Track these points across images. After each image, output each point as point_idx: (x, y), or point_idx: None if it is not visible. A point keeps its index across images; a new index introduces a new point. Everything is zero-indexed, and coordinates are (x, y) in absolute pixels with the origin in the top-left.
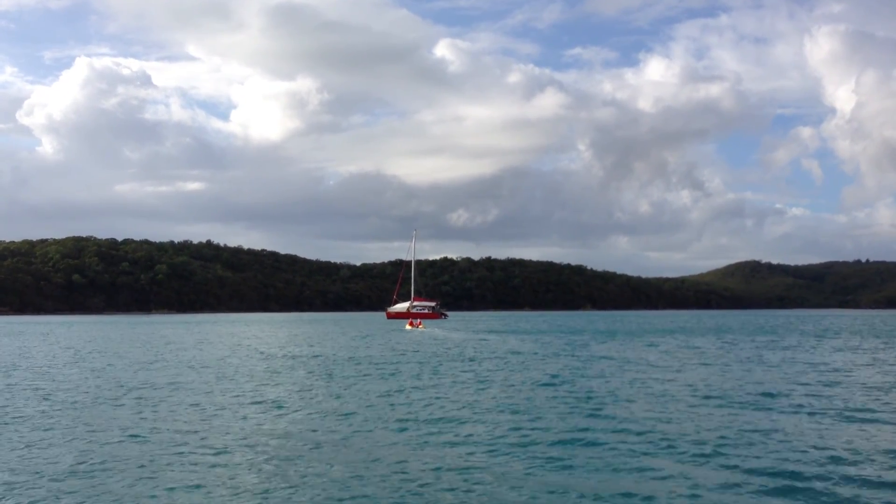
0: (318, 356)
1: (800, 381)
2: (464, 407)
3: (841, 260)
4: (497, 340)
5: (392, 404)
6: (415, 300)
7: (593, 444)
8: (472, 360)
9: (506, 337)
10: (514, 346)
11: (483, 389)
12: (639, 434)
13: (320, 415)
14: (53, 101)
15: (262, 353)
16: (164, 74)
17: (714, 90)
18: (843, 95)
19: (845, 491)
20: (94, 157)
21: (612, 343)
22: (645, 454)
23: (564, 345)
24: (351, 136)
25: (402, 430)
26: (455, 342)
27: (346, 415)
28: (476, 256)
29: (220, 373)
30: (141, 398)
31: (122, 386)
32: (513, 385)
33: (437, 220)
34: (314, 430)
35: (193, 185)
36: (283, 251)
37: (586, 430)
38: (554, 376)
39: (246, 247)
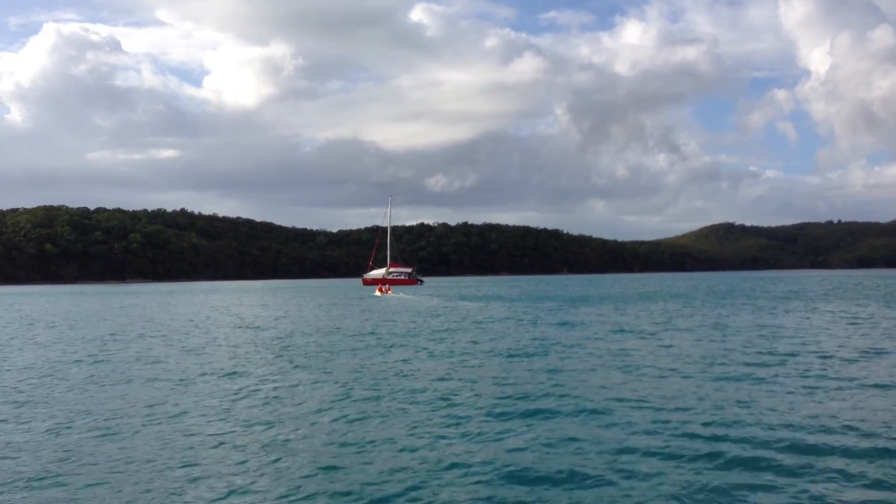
0: (284, 328)
1: (761, 347)
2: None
3: (814, 221)
4: (465, 307)
5: (355, 377)
6: (391, 266)
7: (553, 414)
8: (437, 331)
9: (474, 303)
10: (482, 313)
11: (433, 360)
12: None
13: (287, 391)
14: (21, 67)
15: (226, 324)
16: (134, 40)
17: (690, 53)
18: (817, 58)
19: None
20: (64, 125)
21: (584, 309)
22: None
23: (530, 312)
24: (327, 101)
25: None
26: (419, 310)
27: (310, 390)
28: (453, 222)
29: (185, 346)
30: (101, 374)
31: (80, 361)
32: (469, 355)
33: (415, 186)
34: (279, 406)
35: (167, 153)
36: (258, 218)
37: (549, 400)
38: (515, 348)
39: (221, 214)
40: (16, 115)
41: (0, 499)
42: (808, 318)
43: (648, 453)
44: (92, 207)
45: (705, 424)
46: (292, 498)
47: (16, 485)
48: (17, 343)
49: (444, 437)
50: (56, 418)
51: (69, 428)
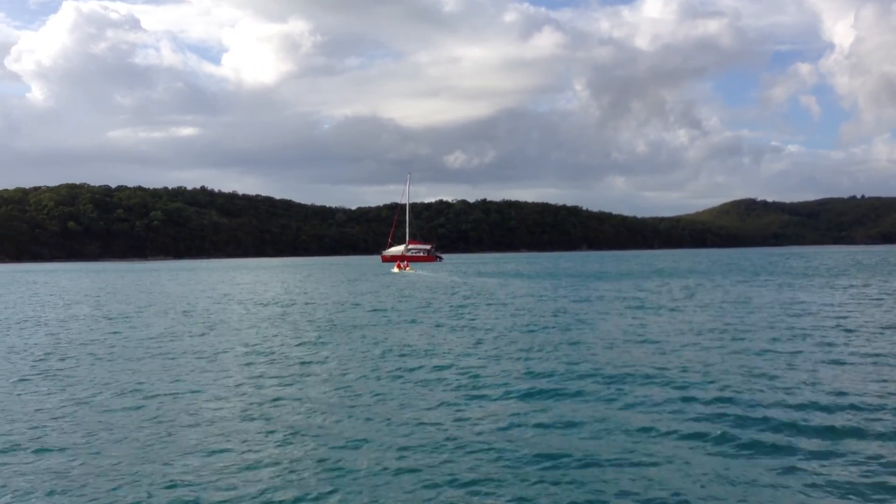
0: (304, 304)
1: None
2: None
3: (836, 196)
4: (484, 283)
5: (378, 352)
6: (410, 243)
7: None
8: (458, 306)
9: (493, 279)
10: (500, 290)
11: (450, 334)
12: (634, 379)
13: (308, 367)
14: (42, 46)
15: (242, 301)
16: (153, 18)
17: (712, 26)
18: (841, 30)
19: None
20: (85, 103)
21: (603, 285)
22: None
23: (550, 289)
24: (346, 78)
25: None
26: (438, 286)
27: (329, 365)
28: (472, 199)
29: (207, 322)
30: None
31: (112, 337)
32: (487, 330)
33: (434, 163)
34: (305, 382)
35: (187, 131)
36: (278, 196)
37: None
38: (534, 324)
39: (241, 192)
40: (37, 93)
41: (27, 468)
42: (831, 294)
43: (670, 433)
44: (113, 185)
45: (728, 401)
46: (319, 471)
47: (42, 454)
48: (48, 318)
49: (464, 414)
50: (80, 392)
51: (92, 401)
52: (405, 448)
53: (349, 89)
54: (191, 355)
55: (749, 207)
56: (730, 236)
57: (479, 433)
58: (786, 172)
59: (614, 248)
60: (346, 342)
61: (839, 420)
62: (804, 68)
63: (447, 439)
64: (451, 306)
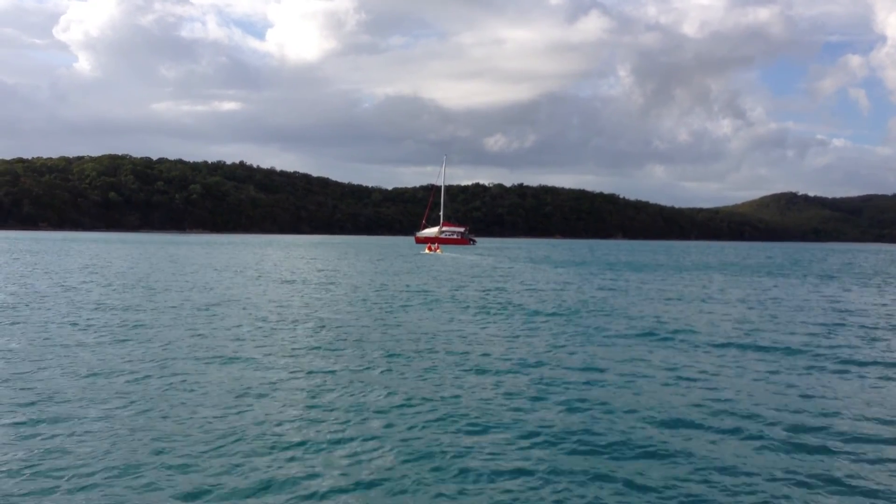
0: (336, 283)
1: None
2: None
3: (881, 193)
4: (513, 268)
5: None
6: (444, 225)
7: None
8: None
9: (523, 265)
10: (528, 275)
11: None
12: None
13: (335, 346)
14: (90, 17)
15: (278, 279)
16: None
17: (762, 14)
18: (894, 22)
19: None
20: (130, 75)
21: (634, 276)
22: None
23: (579, 277)
24: (389, 57)
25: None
26: (466, 269)
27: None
28: (509, 183)
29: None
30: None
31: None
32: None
33: (473, 146)
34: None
35: (229, 105)
36: (315, 173)
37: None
38: (561, 312)
39: (279, 168)
40: (84, 63)
41: (56, 433)
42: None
43: (694, 426)
44: (155, 157)
45: (754, 403)
46: (353, 445)
47: (74, 426)
48: (89, 286)
49: (490, 401)
50: (103, 364)
51: (119, 374)
52: (427, 432)
53: (391, 68)
54: (185, 329)
55: (790, 201)
56: (768, 230)
57: (503, 422)
58: (830, 167)
59: (650, 238)
60: (376, 324)
61: (868, 427)
62: (854, 60)
63: (472, 427)
64: (476, 289)
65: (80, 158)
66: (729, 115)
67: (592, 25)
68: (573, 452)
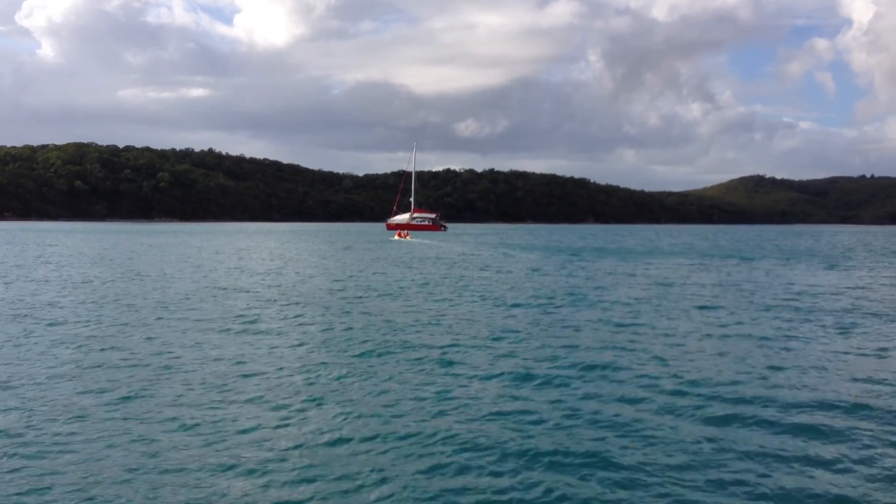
0: (301, 274)
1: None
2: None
3: (847, 175)
4: (481, 255)
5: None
6: (415, 212)
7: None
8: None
9: (490, 251)
10: (497, 262)
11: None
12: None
13: (301, 340)
14: (53, 2)
15: (247, 269)
16: None
17: None
18: (860, 6)
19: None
20: (95, 61)
21: (604, 262)
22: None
23: (547, 262)
24: (359, 42)
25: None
26: (434, 256)
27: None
28: (481, 168)
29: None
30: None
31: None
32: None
33: (445, 131)
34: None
35: (197, 92)
36: (286, 160)
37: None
38: (526, 300)
39: (248, 155)
40: (47, 50)
41: (40, 429)
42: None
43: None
44: (121, 145)
45: (739, 387)
46: (331, 440)
47: (50, 418)
48: (67, 280)
49: (451, 397)
50: (84, 357)
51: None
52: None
53: (362, 54)
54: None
55: (757, 184)
56: (737, 212)
57: (475, 430)
58: (797, 150)
59: (621, 222)
60: (342, 314)
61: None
62: (821, 44)
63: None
64: (441, 277)
65: (44, 147)
66: (698, 99)
67: (563, 10)
68: (547, 440)
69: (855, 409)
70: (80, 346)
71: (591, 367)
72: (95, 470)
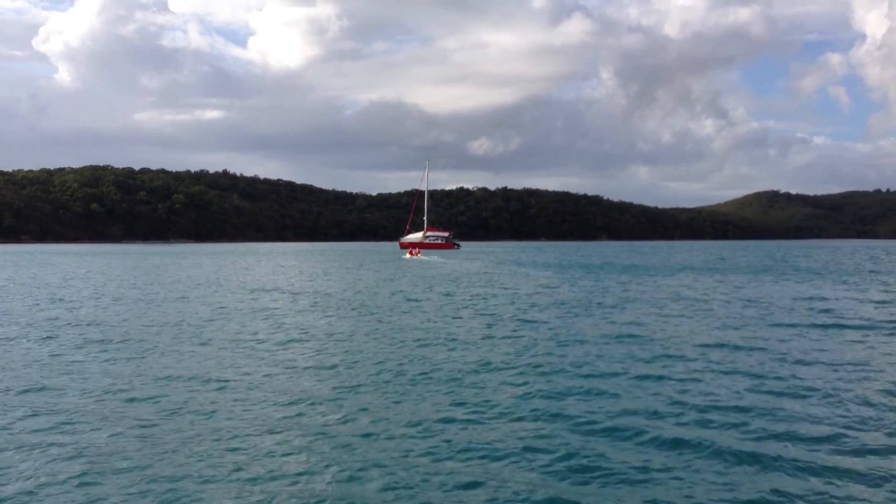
0: (317, 292)
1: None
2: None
3: (862, 189)
4: (492, 272)
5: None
6: (428, 230)
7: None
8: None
9: (501, 268)
10: (507, 279)
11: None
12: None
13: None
14: (69, 27)
15: (258, 287)
16: (181, 0)
17: (743, 14)
18: (873, 20)
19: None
20: (111, 85)
21: (612, 276)
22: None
23: (559, 280)
24: (372, 63)
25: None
26: (448, 273)
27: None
28: (494, 186)
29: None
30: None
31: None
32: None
33: (458, 150)
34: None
35: (211, 114)
36: (300, 181)
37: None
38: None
39: (262, 176)
40: (64, 74)
41: (54, 453)
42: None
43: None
44: (137, 167)
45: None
46: (341, 456)
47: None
48: (84, 301)
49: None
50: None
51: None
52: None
53: (375, 74)
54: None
55: (772, 199)
56: (751, 228)
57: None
58: (811, 165)
59: (634, 239)
60: (363, 328)
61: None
62: (834, 59)
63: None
64: (447, 293)
65: (61, 170)
66: (711, 116)
67: (575, 28)
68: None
69: None
70: (135, 361)
71: (612, 377)
72: (146, 477)
